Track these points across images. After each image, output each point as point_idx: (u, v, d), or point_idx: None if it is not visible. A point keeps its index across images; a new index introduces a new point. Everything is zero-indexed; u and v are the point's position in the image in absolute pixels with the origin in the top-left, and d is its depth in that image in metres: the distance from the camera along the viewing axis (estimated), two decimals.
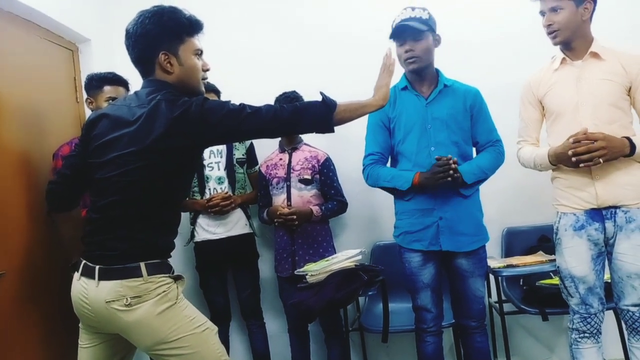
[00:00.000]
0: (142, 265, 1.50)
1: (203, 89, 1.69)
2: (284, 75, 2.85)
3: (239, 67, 2.95)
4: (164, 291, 1.52)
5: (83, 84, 2.75)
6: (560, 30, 1.96)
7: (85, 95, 2.44)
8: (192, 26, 1.63)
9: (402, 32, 2.13)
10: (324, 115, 1.56)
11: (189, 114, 1.48)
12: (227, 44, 2.95)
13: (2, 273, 1.98)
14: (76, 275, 1.58)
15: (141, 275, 1.50)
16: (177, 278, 1.59)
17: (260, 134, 1.61)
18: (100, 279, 1.51)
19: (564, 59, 2.02)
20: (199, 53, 1.65)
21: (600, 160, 1.84)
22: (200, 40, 1.67)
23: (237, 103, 1.55)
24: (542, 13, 2.01)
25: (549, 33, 2.00)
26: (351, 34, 2.92)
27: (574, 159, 1.87)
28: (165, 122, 1.48)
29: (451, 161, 2.04)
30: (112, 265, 1.51)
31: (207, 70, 1.70)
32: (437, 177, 2.05)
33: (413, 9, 2.15)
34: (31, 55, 2.40)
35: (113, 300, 1.49)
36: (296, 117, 1.55)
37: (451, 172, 2.03)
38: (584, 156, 1.85)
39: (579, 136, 1.87)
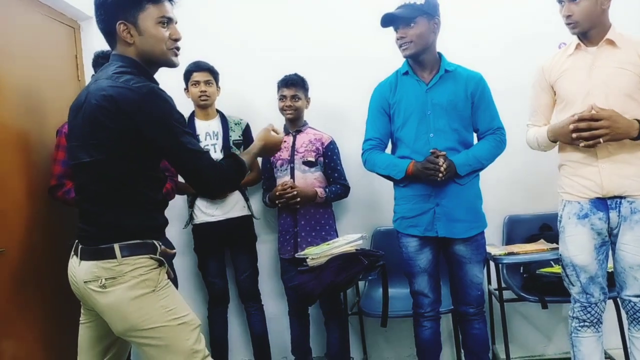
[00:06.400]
0: (116, 246, 1.46)
1: (174, 59, 1.59)
2: (282, 64, 2.78)
3: (236, 55, 2.91)
4: (141, 274, 1.48)
5: (85, 61, 2.74)
6: (580, 22, 1.90)
7: (93, 72, 2.41)
8: None
9: (391, 21, 2.11)
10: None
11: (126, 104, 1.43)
12: (225, 31, 2.92)
13: (2, 250, 1.97)
14: (72, 253, 1.59)
15: (115, 257, 1.46)
16: (160, 263, 1.54)
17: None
18: (81, 258, 1.51)
19: (578, 44, 1.97)
20: (163, 21, 1.54)
21: (601, 140, 1.81)
22: (168, 8, 1.55)
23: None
24: (560, 1, 1.94)
25: (568, 23, 1.94)
26: (350, 23, 2.88)
27: (574, 134, 1.84)
28: (104, 103, 1.44)
29: (440, 162, 2.03)
30: (89, 246, 1.50)
31: (177, 39, 1.57)
32: (427, 173, 2.05)
33: None
34: (32, 33, 2.37)
35: (90, 281, 1.47)
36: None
37: (440, 174, 2.02)
38: (584, 133, 1.82)
39: (585, 115, 1.83)
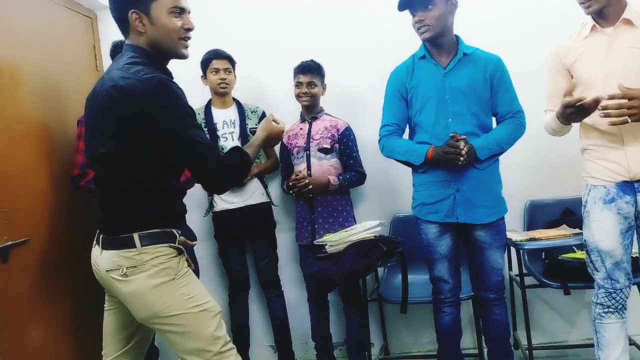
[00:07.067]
0: (136, 236, 1.49)
1: (184, 51, 1.59)
2: (298, 49, 2.74)
3: (251, 42, 2.89)
4: (161, 263, 1.50)
5: (103, 51, 2.76)
6: (597, 0, 1.85)
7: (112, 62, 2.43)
8: None
9: (409, 4, 2.07)
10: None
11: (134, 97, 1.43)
12: (239, 16, 2.90)
13: (27, 239, 2.02)
14: (94, 242, 1.62)
15: (135, 246, 1.48)
16: (179, 251, 1.56)
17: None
18: (102, 247, 1.54)
19: (594, 26, 1.92)
20: (176, 11, 1.53)
21: (629, 119, 1.75)
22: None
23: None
24: None
25: (582, 2, 1.88)
26: (366, 7, 2.84)
27: (601, 113, 1.78)
28: (113, 96, 1.44)
29: (462, 146, 2.00)
30: (110, 235, 1.53)
31: (189, 29, 1.57)
32: (448, 157, 2.03)
33: None
34: (50, 23, 2.39)
35: (112, 270, 1.50)
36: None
37: (461, 158, 2.00)
38: (613, 111, 1.75)
39: (615, 93, 1.76)
